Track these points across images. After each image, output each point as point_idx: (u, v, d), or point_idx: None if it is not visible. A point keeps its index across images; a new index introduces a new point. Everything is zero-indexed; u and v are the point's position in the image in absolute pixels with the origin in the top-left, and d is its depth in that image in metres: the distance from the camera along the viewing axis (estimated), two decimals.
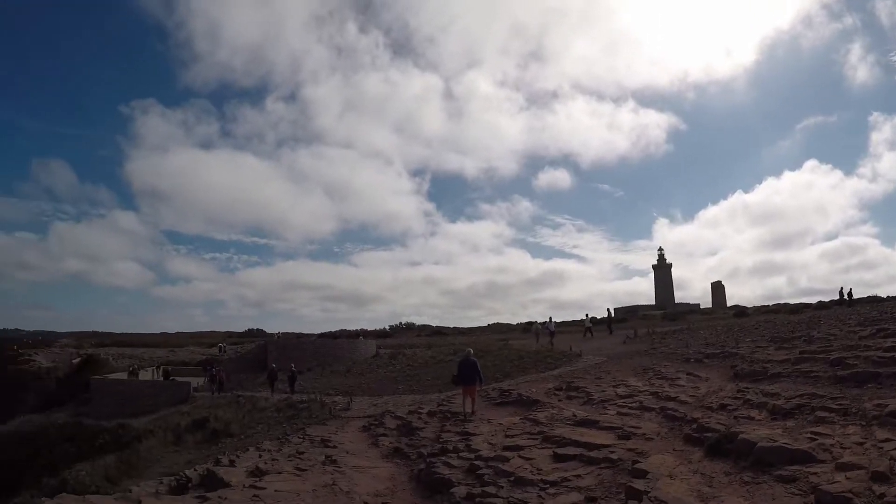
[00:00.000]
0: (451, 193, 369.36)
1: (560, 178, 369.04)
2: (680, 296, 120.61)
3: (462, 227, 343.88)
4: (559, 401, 21.76)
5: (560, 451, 13.50)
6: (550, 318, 55.07)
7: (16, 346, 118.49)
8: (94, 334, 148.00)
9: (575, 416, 17.51)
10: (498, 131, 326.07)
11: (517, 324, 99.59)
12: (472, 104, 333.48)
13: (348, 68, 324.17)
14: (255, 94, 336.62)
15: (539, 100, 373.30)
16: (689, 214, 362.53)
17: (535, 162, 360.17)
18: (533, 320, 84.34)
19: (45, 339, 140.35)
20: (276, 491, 13.01)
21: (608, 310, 61.78)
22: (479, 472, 12.90)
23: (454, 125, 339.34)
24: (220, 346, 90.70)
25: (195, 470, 17.72)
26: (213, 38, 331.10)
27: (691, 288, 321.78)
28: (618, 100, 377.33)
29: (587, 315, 57.12)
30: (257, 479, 14.46)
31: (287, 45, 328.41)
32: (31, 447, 41.55)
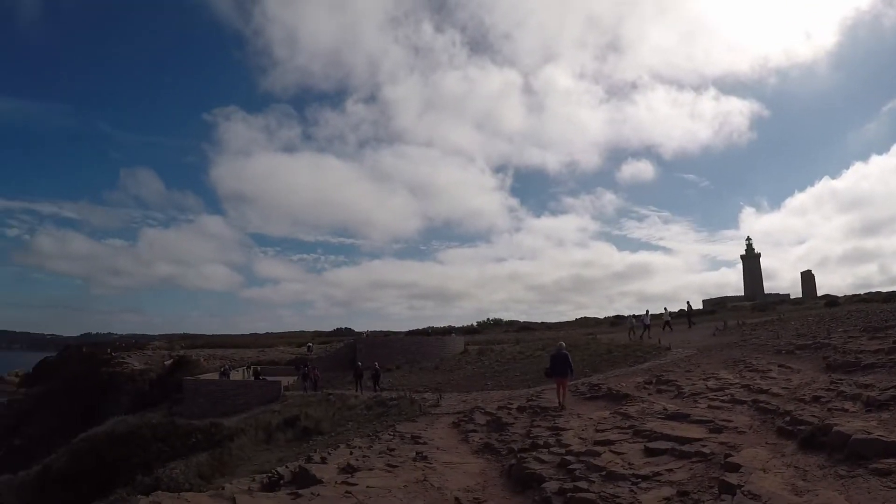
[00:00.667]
0: (534, 188, 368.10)
1: (643, 169, 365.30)
2: (769, 286, 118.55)
3: (546, 222, 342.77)
4: (649, 395, 21.59)
5: (651, 445, 13.38)
6: (647, 311, 54.02)
7: (109, 350, 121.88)
8: (185, 336, 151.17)
9: (666, 409, 17.33)
10: (578, 124, 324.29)
11: (604, 318, 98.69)
12: (551, 98, 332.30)
13: (426, 67, 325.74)
14: (335, 97, 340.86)
15: (618, 91, 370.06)
16: (775, 202, 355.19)
17: (617, 154, 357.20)
18: (620, 314, 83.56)
19: (137, 342, 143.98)
20: (367, 487, 13.18)
21: (687, 303, 60.25)
22: (570, 466, 12.85)
23: (534, 120, 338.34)
24: (308, 346, 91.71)
25: (286, 467, 18.00)
26: (290, 45, 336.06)
27: (780, 278, 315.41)
28: (698, 88, 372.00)
29: (665, 308, 55.96)
30: (349, 475, 14.64)
31: (364, 47, 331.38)
32: (126, 447, 42.45)
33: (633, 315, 62.01)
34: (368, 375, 45.98)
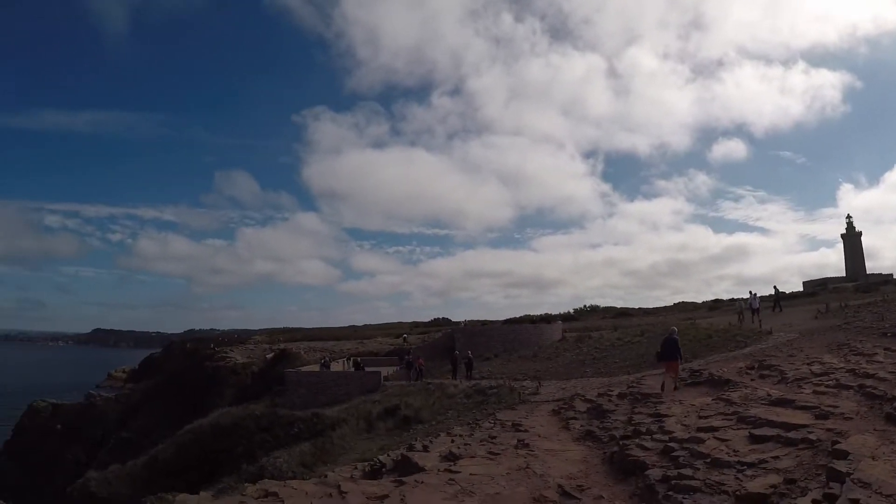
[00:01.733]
0: (625, 172, 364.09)
1: (735, 148, 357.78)
2: (871, 266, 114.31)
3: (640, 206, 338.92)
4: (751, 380, 21.24)
5: (756, 431, 13.18)
6: (754, 294, 52.16)
7: (212, 345, 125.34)
8: (285, 330, 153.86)
9: (769, 395, 17.05)
10: (666, 105, 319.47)
11: (702, 302, 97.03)
12: (636, 80, 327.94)
13: (508, 57, 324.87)
14: (420, 92, 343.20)
15: (705, 70, 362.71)
16: (874, 177, 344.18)
17: (707, 134, 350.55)
18: (719, 297, 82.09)
19: (239, 337, 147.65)
20: (471, 475, 13.32)
21: (774, 287, 58.77)
22: (674, 453, 12.76)
23: (621, 103, 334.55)
24: (404, 337, 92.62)
25: (388, 455, 18.28)
26: (372, 44, 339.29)
27: (882, 257, 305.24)
28: (787, 62, 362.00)
29: (751, 292, 54.16)
30: (451, 463, 14.81)
31: (445, 41, 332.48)
32: (230, 438, 43.49)
33: (742, 298, 60.71)
34: (461, 364, 46.30)
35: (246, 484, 16.03)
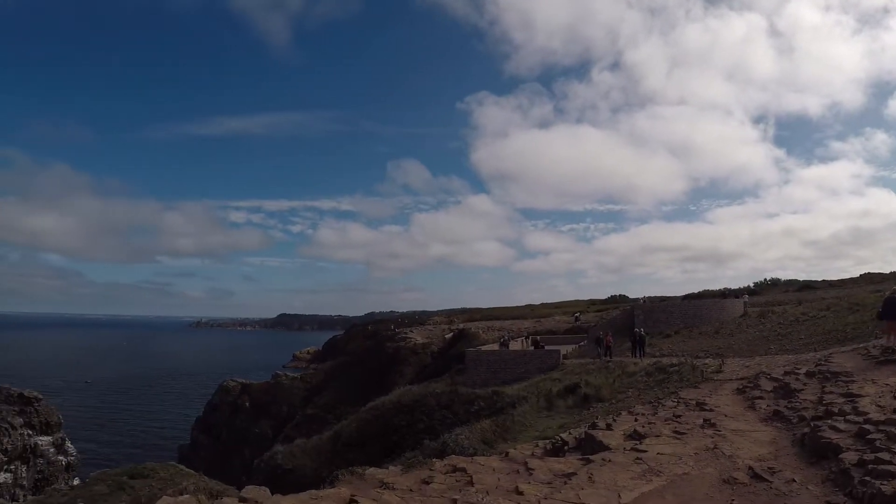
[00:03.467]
0: (798, 136, 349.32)
1: None
2: None
3: (816, 171, 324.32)
4: None
5: None
6: None
7: (393, 326, 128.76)
8: (463, 311, 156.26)
9: None
10: (834, 61, 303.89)
11: (890, 272, 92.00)
12: (799, 37, 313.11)
13: (664, 26, 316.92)
14: (580, 70, 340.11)
15: (870, 19, 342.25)
16: None
17: (881, 88, 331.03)
18: None
19: (418, 318, 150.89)
20: (657, 454, 13.30)
21: None
22: (870, 436, 12.31)
23: (786, 62, 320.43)
24: (576, 315, 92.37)
25: (570, 433, 18.41)
26: (527, 28, 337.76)
27: None
28: None
29: None
30: (636, 441, 14.79)
31: (599, 17, 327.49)
32: (411, 414, 44.61)
33: None
34: (633, 341, 45.86)
35: (433, 459, 16.49)
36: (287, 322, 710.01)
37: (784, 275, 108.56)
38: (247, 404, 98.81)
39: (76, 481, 59.18)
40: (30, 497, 46.05)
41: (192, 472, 44.36)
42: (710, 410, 18.83)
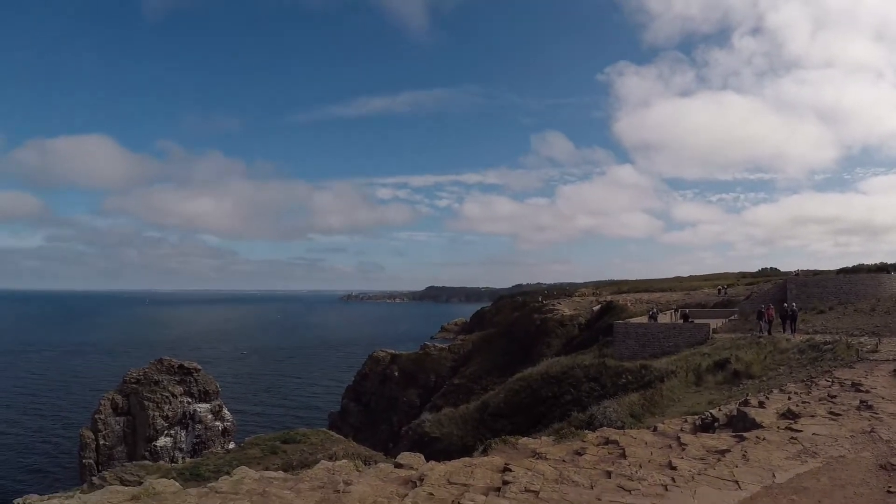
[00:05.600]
0: None
1: None
2: None
3: None
4: None
5: None
6: None
7: (540, 298, 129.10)
8: (610, 283, 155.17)
9: None
10: None
11: None
12: None
13: None
14: (720, 36, 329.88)
15: None
16: None
17: None
18: None
19: (565, 290, 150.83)
20: (813, 434, 13.21)
21: None
22: None
23: None
24: (720, 288, 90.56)
25: (720, 410, 18.35)
26: None
27: None
28: None
29: None
30: (791, 421, 14.68)
31: None
32: (559, 385, 44.87)
33: None
34: (783, 316, 44.68)
35: (585, 430, 16.79)
36: (435, 294, 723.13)
37: None
38: (396, 373, 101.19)
39: (231, 445, 62.57)
40: (188, 459, 48.71)
41: (342, 437, 46.01)
42: (867, 392, 18.45)
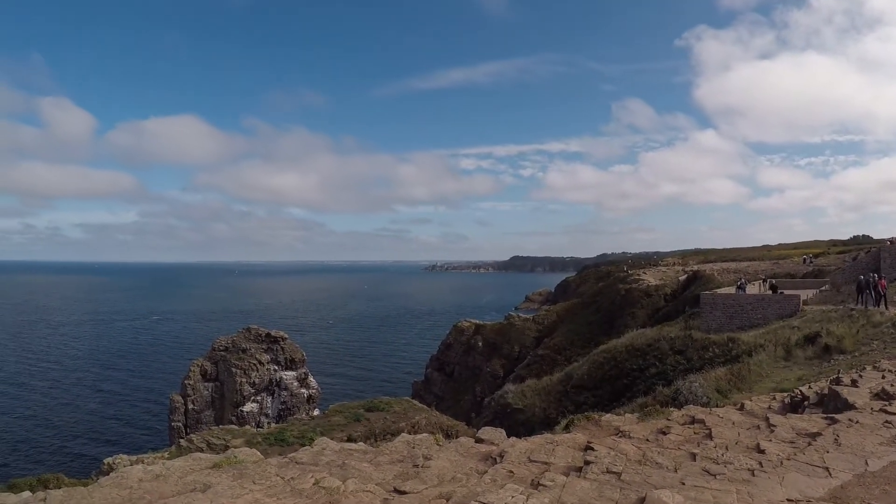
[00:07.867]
0: None
1: None
2: None
3: None
4: None
5: None
6: None
7: (625, 267, 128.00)
8: (697, 252, 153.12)
9: None
10: None
11: None
12: None
13: None
14: None
15: None
16: None
17: None
18: None
19: (650, 260, 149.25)
20: None
21: None
22: None
23: None
24: (804, 258, 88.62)
25: (810, 387, 17.85)
26: None
27: None
28: None
29: None
30: (886, 402, 14.13)
31: None
32: (644, 358, 44.48)
33: None
34: (870, 290, 42.92)
35: (670, 408, 16.51)
36: (519, 264, 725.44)
37: None
38: (479, 344, 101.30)
39: (316, 412, 63.86)
40: (273, 425, 49.77)
41: (425, 406, 46.36)
42: None
